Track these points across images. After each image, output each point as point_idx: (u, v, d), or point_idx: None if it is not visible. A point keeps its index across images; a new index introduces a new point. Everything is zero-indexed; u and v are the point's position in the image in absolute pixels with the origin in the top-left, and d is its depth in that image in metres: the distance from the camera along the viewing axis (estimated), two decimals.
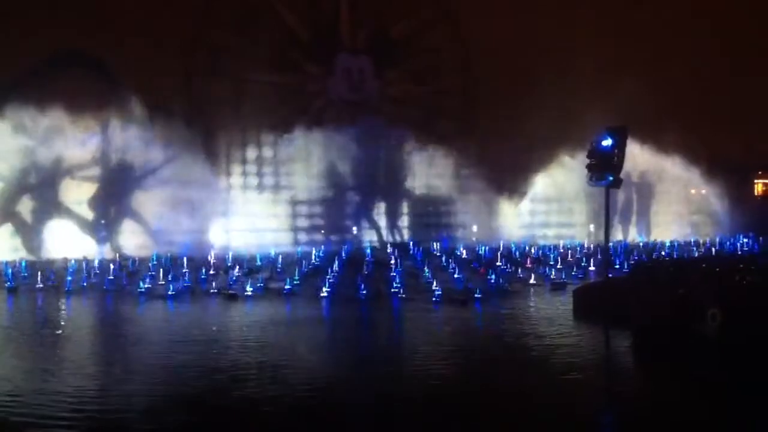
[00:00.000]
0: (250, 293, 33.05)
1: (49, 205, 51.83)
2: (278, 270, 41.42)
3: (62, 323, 27.88)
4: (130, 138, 53.16)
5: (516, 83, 60.19)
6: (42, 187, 51.72)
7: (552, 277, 38.20)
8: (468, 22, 67.28)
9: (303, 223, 59.20)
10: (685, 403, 16.75)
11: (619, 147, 32.22)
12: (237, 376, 18.48)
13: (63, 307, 31.55)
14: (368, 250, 51.23)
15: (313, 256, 47.12)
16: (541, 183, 61.55)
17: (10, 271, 39.24)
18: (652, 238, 62.06)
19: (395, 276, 37.36)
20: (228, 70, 63.96)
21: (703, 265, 28.98)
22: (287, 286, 34.16)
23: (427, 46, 70.18)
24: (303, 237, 57.84)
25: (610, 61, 58.90)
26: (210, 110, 62.45)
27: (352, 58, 69.73)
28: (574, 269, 41.52)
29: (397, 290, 33.33)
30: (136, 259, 46.50)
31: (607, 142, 32.02)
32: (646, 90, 58.28)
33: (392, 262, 43.75)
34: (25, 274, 39.98)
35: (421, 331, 25.82)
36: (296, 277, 36.88)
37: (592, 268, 42.39)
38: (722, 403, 16.72)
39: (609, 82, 54.23)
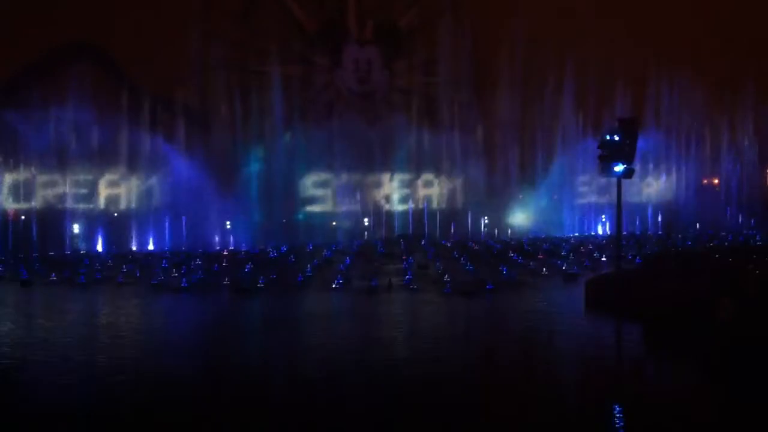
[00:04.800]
0: (262, 286, 33.15)
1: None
2: (291, 263, 41.50)
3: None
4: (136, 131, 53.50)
5: (523, 71, 60.15)
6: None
7: (564, 268, 38.11)
8: (474, 10, 66.97)
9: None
10: (687, 397, 16.88)
11: (630, 137, 32.19)
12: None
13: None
14: (379, 243, 51.20)
15: (325, 249, 47.17)
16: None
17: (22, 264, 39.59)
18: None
19: (406, 268, 37.48)
20: (235, 62, 64.02)
21: (717, 256, 28.99)
22: (300, 279, 34.32)
23: (435, 36, 70.00)
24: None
25: (618, 47, 58.64)
26: (217, 102, 62.55)
27: (360, 50, 69.63)
28: (586, 260, 41.36)
29: (407, 282, 33.41)
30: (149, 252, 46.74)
31: (618, 133, 32.00)
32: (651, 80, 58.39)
33: (402, 254, 43.84)
34: (39, 267, 40.29)
35: (426, 325, 25.69)
36: (308, 270, 37.01)
37: (603, 258, 42.23)
38: (727, 398, 16.82)
39: (617, 69, 54.14)
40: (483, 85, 69.67)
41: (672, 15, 62.25)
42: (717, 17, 61.10)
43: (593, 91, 54.03)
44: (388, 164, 60.55)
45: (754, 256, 31.87)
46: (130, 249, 49.11)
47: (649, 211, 62.38)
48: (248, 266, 38.99)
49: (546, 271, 37.31)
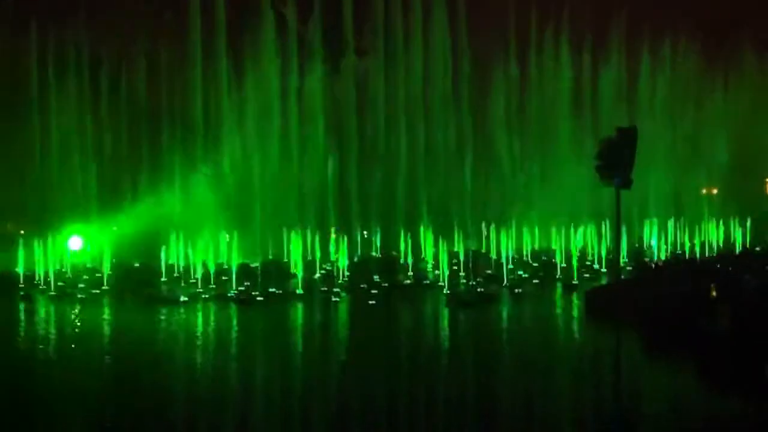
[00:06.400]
0: (261, 298, 33.13)
1: None
2: (290, 275, 41.35)
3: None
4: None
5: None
6: None
7: (563, 278, 38.05)
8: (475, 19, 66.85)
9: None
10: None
11: (629, 147, 32.28)
12: None
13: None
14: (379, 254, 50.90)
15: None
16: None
17: None
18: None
19: (408, 280, 37.66)
20: (232, 72, 64.08)
21: (718, 266, 29.07)
22: (299, 291, 34.32)
23: (433, 43, 70.04)
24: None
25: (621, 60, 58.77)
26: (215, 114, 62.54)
27: (358, 60, 69.79)
28: (585, 271, 41.20)
29: (408, 294, 33.55)
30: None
31: (617, 142, 32.10)
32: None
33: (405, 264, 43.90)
34: None
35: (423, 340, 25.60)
36: (309, 282, 37.07)
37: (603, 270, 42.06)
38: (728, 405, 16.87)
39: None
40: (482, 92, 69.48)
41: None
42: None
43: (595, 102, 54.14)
44: None
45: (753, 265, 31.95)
46: None
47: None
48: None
49: (545, 281, 37.38)
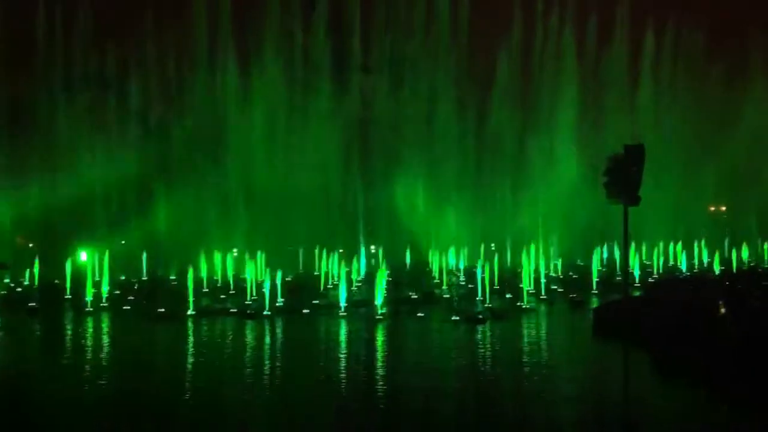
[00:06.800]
0: (268, 313, 33.12)
1: None
2: (299, 289, 41.43)
3: None
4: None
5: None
6: None
7: (570, 295, 38.00)
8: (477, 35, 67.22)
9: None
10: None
11: (637, 164, 32.19)
12: None
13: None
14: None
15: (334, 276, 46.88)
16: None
17: None
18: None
19: (413, 295, 37.59)
20: (242, 91, 64.46)
21: (727, 283, 29.02)
22: (305, 310, 34.35)
23: (441, 62, 70.35)
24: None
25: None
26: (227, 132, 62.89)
27: (366, 77, 70.06)
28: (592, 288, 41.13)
29: (414, 309, 33.46)
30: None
31: (624, 160, 32.02)
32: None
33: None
34: None
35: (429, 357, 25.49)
36: (317, 297, 37.04)
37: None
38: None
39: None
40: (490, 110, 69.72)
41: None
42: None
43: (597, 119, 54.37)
44: None
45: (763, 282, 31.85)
46: None
47: None
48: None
49: (553, 297, 37.32)
